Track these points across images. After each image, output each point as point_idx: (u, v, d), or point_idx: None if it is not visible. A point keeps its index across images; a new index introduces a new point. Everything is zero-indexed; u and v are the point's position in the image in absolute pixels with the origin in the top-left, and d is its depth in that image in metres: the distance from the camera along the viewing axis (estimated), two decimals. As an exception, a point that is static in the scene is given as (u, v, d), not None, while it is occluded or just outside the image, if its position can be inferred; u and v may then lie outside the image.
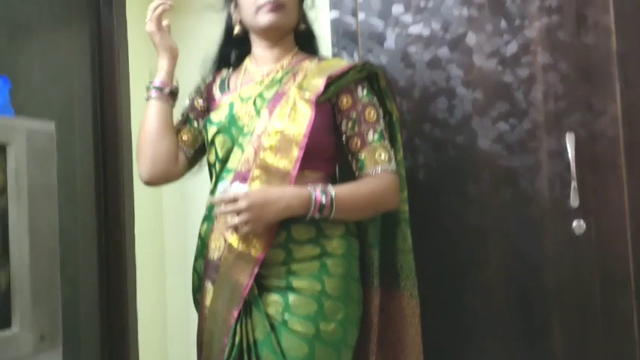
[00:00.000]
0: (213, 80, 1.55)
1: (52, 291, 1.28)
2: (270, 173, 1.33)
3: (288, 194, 1.29)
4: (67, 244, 2.17)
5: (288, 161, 1.32)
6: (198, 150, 1.52)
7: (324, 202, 1.29)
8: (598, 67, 1.59)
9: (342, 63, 1.47)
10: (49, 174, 1.25)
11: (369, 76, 1.46)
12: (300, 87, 1.39)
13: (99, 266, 2.52)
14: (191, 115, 1.52)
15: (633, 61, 1.57)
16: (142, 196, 2.73)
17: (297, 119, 1.34)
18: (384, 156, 1.39)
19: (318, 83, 1.37)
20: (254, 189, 1.31)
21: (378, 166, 1.38)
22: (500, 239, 1.65)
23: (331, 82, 1.39)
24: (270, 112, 1.38)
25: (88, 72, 2.53)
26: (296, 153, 1.32)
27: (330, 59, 1.54)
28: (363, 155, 1.40)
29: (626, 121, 1.57)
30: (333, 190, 1.32)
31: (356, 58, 1.73)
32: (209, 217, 1.43)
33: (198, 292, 1.45)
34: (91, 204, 2.49)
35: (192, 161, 1.52)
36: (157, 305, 2.88)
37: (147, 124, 1.47)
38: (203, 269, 1.41)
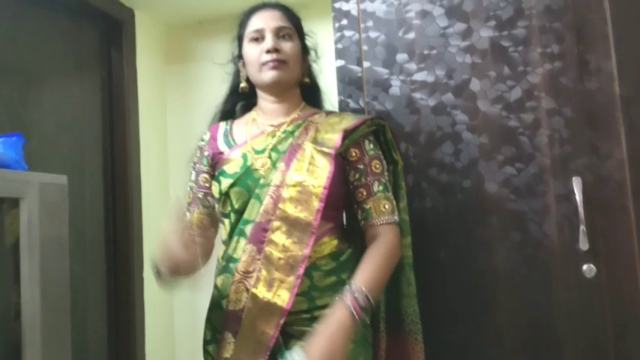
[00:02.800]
0: (214, 136, 1.56)
1: (62, 343, 1.28)
2: (290, 224, 1.35)
3: (336, 323, 1.27)
4: (76, 290, 2.17)
5: (309, 212, 1.35)
6: (216, 222, 1.52)
7: (363, 305, 1.28)
8: (602, 112, 1.61)
9: (350, 117, 1.51)
10: (61, 226, 1.26)
11: (375, 128, 1.51)
12: (315, 141, 1.43)
13: (108, 311, 2.52)
14: (200, 194, 1.51)
15: (637, 105, 1.58)
16: (150, 242, 2.74)
17: (316, 172, 1.38)
18: (388, 207, 1.44)
19: (335, 137, 1.42)
20: (312, 351, 1.25)
21: (382, 217, 1.43)
22: (511, 283, 1.64)
23: (346, 135, 1.43)
24: (287, 165, 1.40)
25: (99, 121, 2.58)
26: (316, 204, 1.35)
27: (338, 113, 1.57)
28: (368, 205, 1.44)
29: (633, 165, 1.57)
30: (359, 285, 1.30)
31: (362, 105, 1.75)
32: (227, 269, 1.42)
33: (211, 343, 1.44)
34: (101, 250, 2.50)
35: (216, 233, 1.52)
36: (166, 349, 2.86)
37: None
38: (221, 321, 1.40)
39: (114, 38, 2.68)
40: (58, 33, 2.37)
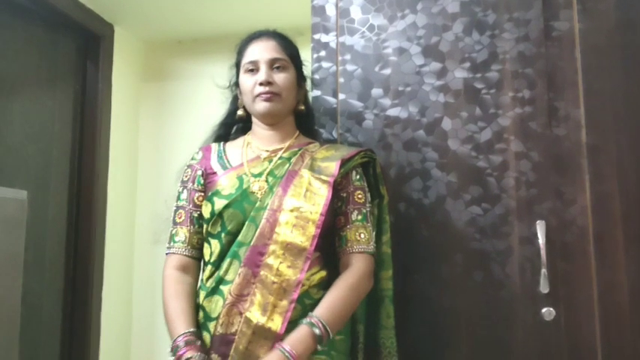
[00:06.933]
0: (207, 156, 1.56)
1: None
2: (286, 249, 1.36)
3: (290, 344, 1.29)
4: (30, 306, 2.11)
5: (305, 238, 1.37)
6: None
7: (319, 334, 1.30)
8: (568, 158, 1.64)
9: (344, 147, 1.57)
10: (17, 243, 1.23)
11: (367, 160, 1.55)
12: (312, 168, 1.45)
13: (62, 329, 2.45)
14: (196, 213, 1.50)
15: (602, 154, 1.62)
16: (112, 262, 2.68)
17: (314, 199, 1.40)
18: (364, 236, 1.45)
19: (332, 165, 1.45)
20: None
21: (357, 246, 1.45)
22: (472, 322, 1.64)
23: (342, 164, 1.46)
24: (284, 190, 1.42)
25: (69, 135, 2.53)
26: (313, 230, 1.37)
27: (332, 144, 1.60)
28: (345, 233, 1.46)
29: (595, 212, 1.60)
30: (318, 315, 1.32)
31: (335, 136, 1.77)
32: (218, 291, 1.40)
33: None
34: (60, 267, 2.44)
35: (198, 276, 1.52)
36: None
37: None
38: (207, 344, 1.37)
39: (91, 52, 2.66)
40: (33, 44, 2.34)
